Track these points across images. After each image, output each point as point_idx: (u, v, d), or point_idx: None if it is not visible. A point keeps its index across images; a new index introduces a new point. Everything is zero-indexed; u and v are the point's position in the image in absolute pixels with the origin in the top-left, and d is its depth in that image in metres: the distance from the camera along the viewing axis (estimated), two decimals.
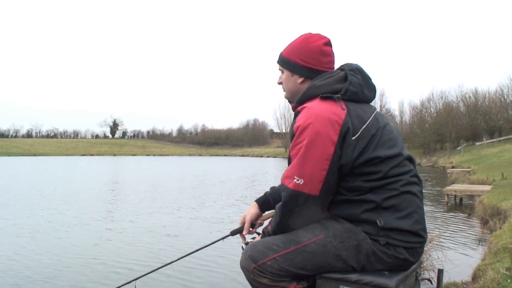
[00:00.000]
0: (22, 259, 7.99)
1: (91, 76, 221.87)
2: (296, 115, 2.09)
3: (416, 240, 1.99)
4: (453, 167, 34.21)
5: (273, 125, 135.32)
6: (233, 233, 2.47)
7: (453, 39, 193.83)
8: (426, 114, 71.19)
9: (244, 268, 2.08)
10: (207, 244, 2.58)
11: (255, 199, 2.51)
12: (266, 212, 2.48)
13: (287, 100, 2.34)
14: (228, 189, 21.50)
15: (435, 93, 71.72)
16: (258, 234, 2.40)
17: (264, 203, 2.47)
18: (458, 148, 55.49)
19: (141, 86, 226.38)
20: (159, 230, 10.67)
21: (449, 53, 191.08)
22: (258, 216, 2.45)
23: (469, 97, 65.54)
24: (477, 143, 54.55)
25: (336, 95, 2.01)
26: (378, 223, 1.94)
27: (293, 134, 2.03)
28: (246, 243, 2.30)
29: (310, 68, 2.16)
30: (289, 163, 2.08)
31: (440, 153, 57.15)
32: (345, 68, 2.16)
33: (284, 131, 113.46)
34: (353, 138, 1.94)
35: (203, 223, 11.77)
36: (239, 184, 25.15)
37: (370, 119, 2.03)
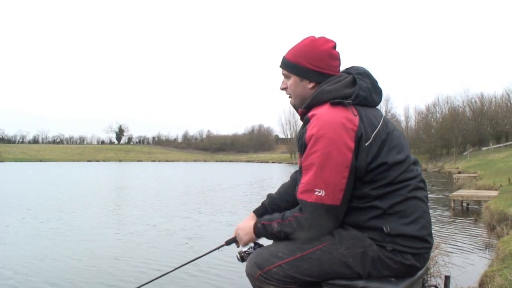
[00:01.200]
0: (48, 261, 8.30)
1: (96, 82, 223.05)
2: (305, 123, 2.01)
3: (422, 245, 1.97)
4: (459, 173, 34.10)
5: (278, 131, 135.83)
6: (228, 242, 2.39)
7: (459, 43, 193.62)
8: (432, 119, 71.11)
9: (250, 275, 2.06)
10: (201, 254, 2.50)
11: (252, 210, 2.43)
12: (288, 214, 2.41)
13: (292, 106, 2.25)
14: (235, 195, 21.49)
15: (441, 98, 71.62)
16: (255, 244, 2.27)
17: (262, 214, 2.36)
18: (464, 153, 55.31)
19: (146, 92, 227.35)
20: (169, 235, 10.77)
21: (455, 58, 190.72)
22: None
23: (475, 102, 65.55)
24: (484, 148, 54.32)
25: (346, 101, 1.96)
26: (384, 229, 1.91)
27: (304, 144, 1.95)
28: (240, 253, 2.24)
29: (321, 72, 2.08)
30: (300, 173, 2.02)
31: (446, 158, 56.92)
32: (352, 71, 2.10)
33: (289, 136, 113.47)
34: (366, 144, 1.90)
35: (214, 227, 11.82)
36: (246, 189, 25.13)
37: (380, 123, 1.99)
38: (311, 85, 2.11)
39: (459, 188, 21.41)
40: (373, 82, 2.11)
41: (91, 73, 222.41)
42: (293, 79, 2.15)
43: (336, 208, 1.91)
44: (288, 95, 2.23)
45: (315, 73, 2.09)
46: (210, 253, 2.46)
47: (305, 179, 1.94)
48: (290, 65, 2.14)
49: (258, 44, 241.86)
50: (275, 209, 2.32)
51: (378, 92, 2.12)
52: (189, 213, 14.64)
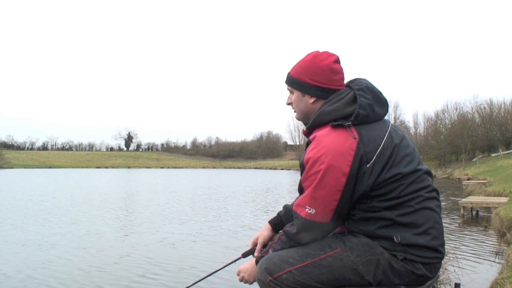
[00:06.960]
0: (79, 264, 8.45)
1: (105, 90, 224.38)
2: (307, 145, 2.08)
3: (434, 255, 1.98)
4: (468, 179, 33.81)
5: (286, 138, 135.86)
6: (245, 255, 2.42)
7: (467, 49, 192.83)
8: (441, 126, 70.67)
9: (260, 281, 2.08)
10: (218, 268, 2.53)
11: (268, 220, 2.48)
12: (280, 232, 2.41)
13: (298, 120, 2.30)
14: (245, 201, 21.49)
15: (450, 105, 71.16)
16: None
17: (277, 224, 2.44)
18: (474, 159, 54.97)
19: (155, 99, 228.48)
20: (180, 245, 10.68)
21: (463, 64, 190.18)
22: (270, 238, 2.42)
23: (484, 108, 65.12)
24: (493, 155, 53.96)
25: (346, 123, 1.97)
26: (395, 239, 1.94)
27: (303, 165, 2.02)
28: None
29: (322, 87, 2.11)
30: (300, 193, 2.07)
31: (455, 165, 56.48)
32: (353, 86, 2.10)
33: (298, 143, 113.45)
34: (368, 165, 1.93)
35: (229, 237, 11.76)
36: (256, 196, 25.12)
37: (384, 139, 2.00)
38: (312, 100, 2.15)
39: (469, 195, 21.25)
40: (376, 95, 2.10)
41: (100, 80, 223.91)
42: (296, 94, 2.20)
43: (325, 225, 1.99)
44: (293, 110, 2.28)
45: (316, 88, 2.12)
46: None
47: (301, 196, 2.03)
48: (293, 81, 2.20)
49: (267, 51, 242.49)
50: (290, 220, 2.35)
51: (382, 103, 2.12)
52: (203, 222, 14.61)
